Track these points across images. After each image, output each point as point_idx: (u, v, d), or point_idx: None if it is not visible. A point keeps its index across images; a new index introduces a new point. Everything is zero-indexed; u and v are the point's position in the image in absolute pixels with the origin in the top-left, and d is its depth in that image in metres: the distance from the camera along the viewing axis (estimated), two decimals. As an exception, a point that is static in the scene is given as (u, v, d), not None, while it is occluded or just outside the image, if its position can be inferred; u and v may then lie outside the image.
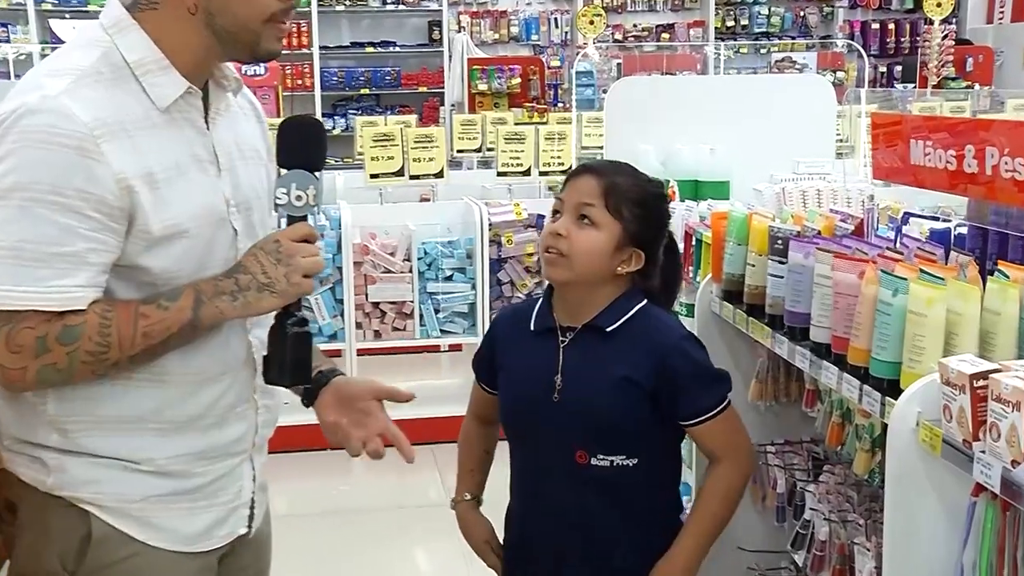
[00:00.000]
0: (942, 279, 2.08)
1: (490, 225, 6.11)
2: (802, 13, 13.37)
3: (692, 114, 4.22)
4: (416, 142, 6.34)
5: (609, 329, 2.48)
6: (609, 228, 2.44)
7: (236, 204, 2.03)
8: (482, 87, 11.04)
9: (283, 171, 2.04)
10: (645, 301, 2.53)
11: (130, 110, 1.86)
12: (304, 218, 2.02)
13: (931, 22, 11.69)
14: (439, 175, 6.43)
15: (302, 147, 2.05)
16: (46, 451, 1.93)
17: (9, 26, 12.04)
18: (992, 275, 2.11)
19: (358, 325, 6.06)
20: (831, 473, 2.83)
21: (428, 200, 7.07)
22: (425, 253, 6.11)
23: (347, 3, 12.41)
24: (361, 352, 6.18)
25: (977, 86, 11.72)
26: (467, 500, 2.71)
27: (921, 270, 2.16)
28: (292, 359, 2.04)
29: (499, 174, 6.76)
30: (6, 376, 1.83)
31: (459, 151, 8.38)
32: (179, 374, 1.97)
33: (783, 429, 3.09)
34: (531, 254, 6.19)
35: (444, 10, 12.62)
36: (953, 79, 11.66)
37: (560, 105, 11.00)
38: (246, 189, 2.07)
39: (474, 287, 6.14)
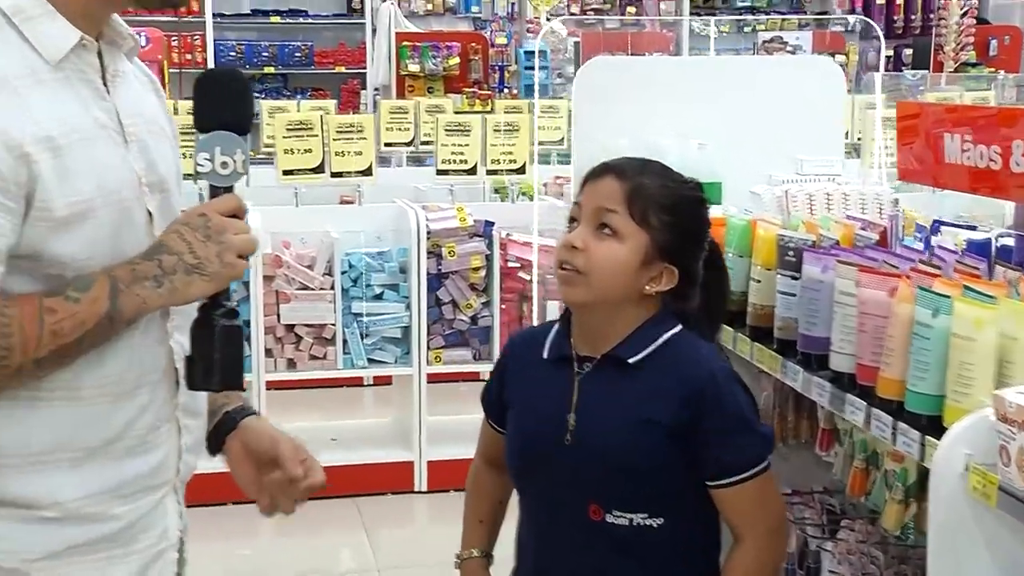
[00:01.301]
0: (992, 297, 2.12)
1: (428, 233, 6.09)
2: (794, -16, 13.55)
3: (675, 103, 4.24)
4: (339, 132, 6.33)
5: (632, 361, 2.44)
6: (634, 239, 2.40)
7: (149, 183, 2.01)
8: (413, 68, 11.01)
9: (202, 135, 2.02)
10: (679, 328, 2.49)
11: (13, 64, 1.84)
12: (231, 189, 2.01)
13: (948, -2, 11.91)
14: (367, 172, 6.41)
15: (225, 105, 2.04)
16: None
17: None
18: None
19: (268, 352, 6.00)
20: (850, 529, 2.87)
21: (352, 202, 7.05)
22: (350, 266, 6.08)
23: None
24: (271, 385, 6.11)
25: (1002, 73, 11.88)
26: (475, 557, 2.68)
27: (965, 287, 2.20)
28: (222, 357, 2.01)
29: (439, 172, 6.75)
30: None
31: (387, 144, 8.37)
32: (91, 387, 1.93)
33: (792, 477, 3.13)
34: (477, 268, 6.19)
35: None
36: (974, 65, 11.84)
37: (507, 91, 11.03)
38: (160, 167, 2.05)
39: (408, 307, 6.11)
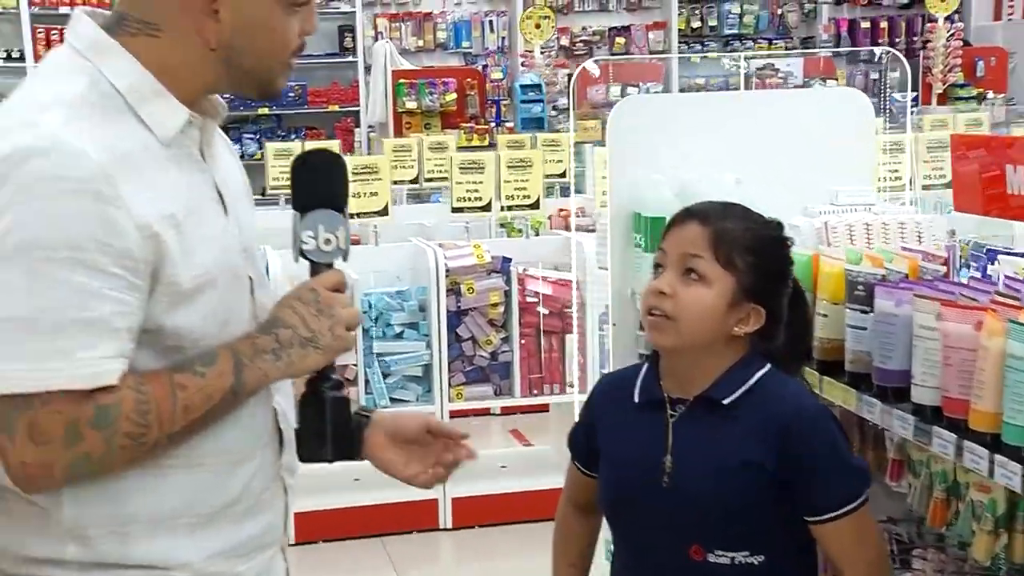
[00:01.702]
0: (1087, 329, 2.15)
1: (447, 271, 6.10)
2: (779, 11, 13.64)
3: (709, 139, 4.25)
4: (355, 174, 6.35)
5: (726, 402, 2.47)
6: (721, 282, 2.44)
7: (245, 249, 2.06)
8: (410, 105, 11.04)
9: (300, 213, 2.05)
10: (767, 367, 2.52)
11: (132, 144, 1.87)
12: (331, 265, 2.05)
13: (934, 20, 12.01)
14: (383, 212, 6.44)
15: (325, 184, 2.09)
16: (62, 569, 1.90)
17: None
18: None
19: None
20: (923, 558, 2.88)
21: (357, 241, 7.06)
22: (369, 306, 6.08)
23: None
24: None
25: (991, 94, 12.01)
26: None
27: (1058, 318, 2.22)
28: (334, 429, 2.07)
29: (454, 210, 6.77)
30: (27, 474, 1.80)
31: (394, 182, 8.38)
32: (212, 455, 1.97)
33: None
34: (495, 305, 6.20)
35: (358, 12, 12.70)
36: (962, 86, 11.96)
37: (505, 125, 11.05)
38: (249, 232, 2.10)
39: (429, 345, 6.11)
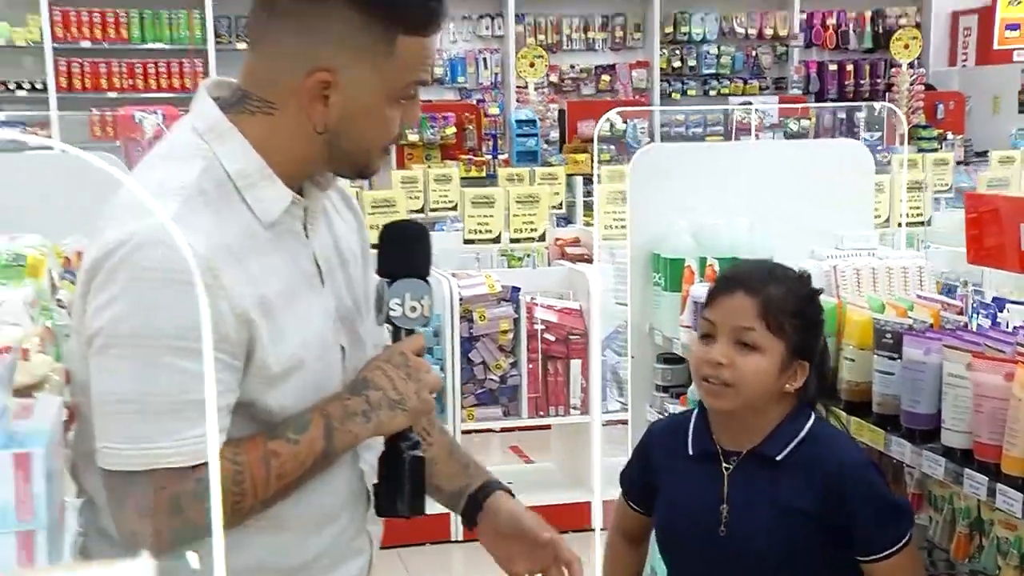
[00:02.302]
0: (1113, 383, 2.23)
1: (461, 300, 6.15)
2: (754, 53, 13.72)
3: (722, 184, 4.35)
4: (374, 207, 6.42)
5: (778, 459, 2.54)
6: (773, 349, 2.50)
7: (340, 317, 2.06)
8: (413, 138, 11.10)
9: (386, 280, 2.05)
10: (812, 419, 2.60)
11: (237, 231, 1.89)
12: (413, 330, 2.05)
13: (897, 65, 12.15)
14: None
15: (410, 254, 2.08)
16: None
17: None
18: None
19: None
20: (945, 587, 2.96)
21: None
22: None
23: (248, 40, 12.36)
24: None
25: (950, 135, 12.15)
26: None
27: (1083, 373, 2.31)
28: (411, 488, 2.05)
29: (466, 241, 6.83)
30: (136, 541, 1.83)
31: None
32: (295, 517, 1.98)
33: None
34: (505, 331, 6.27)
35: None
36: (924, 127, 12.08)
37: (501, 157, 11.11)
38: (347, 299, 2.09)
39: (443, 369, 6.13)
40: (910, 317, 2.94)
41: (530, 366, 6.34)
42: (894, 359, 2.79)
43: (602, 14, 13.43)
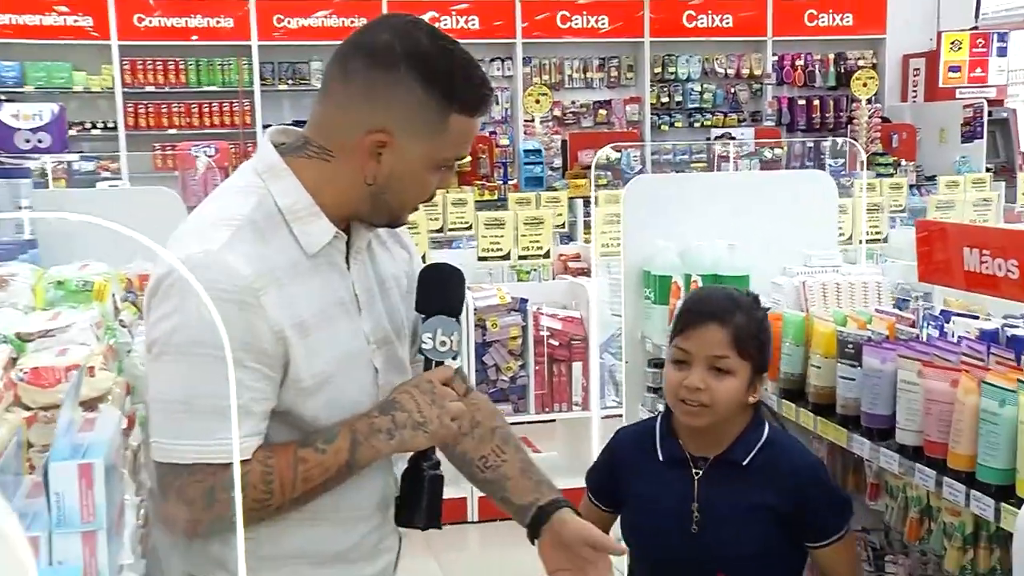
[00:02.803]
0: (1046, 390, 2.22)
1: (475, 310, 6.15)
2: (732, 90, 13.72)
3: (705, 209, 4.34)
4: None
5: (744, 463, 2.55)
6: (742, 371, 2.52)
7: (376, 341, 2.05)
8: (432, 165, 11.10)
9: (422, 316, 2.06)
10: (768, 426, 2.62)
11: (282, 258, 1.89)
12: (442, 362, 2.04)
13: (857, 100, 12.15)
14: (423, 261, 6.48)
15: (444, 294, 2.08)
16: None
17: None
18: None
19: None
20: (895, 563, 2.95)
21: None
22: (411, 338, 6.12)
23: (289, 82, 12.47)
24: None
25: (903, 161, 12.15)
26: None
27: (1020, 380, 2.29)
28: (428, 503, 2.05)
29: (480, 259, 6.84)
30: (175, 527, 1.87)
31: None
32: (332, 512, 1.99)
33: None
34: (515, 338, 6.26)
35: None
36: (881, 155, 12.09)
37: (511, 183, 11.10)
38: (386, 325, 2.08)
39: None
40: (869, 329, 2.93)
41: (536, 368, 6.33)
42: (855, 367, 2.79)
43: (599, 56, 13.43)
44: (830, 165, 12.32)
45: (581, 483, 2.83)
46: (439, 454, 2.09)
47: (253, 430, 1.85)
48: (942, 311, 3.31)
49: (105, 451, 1.47)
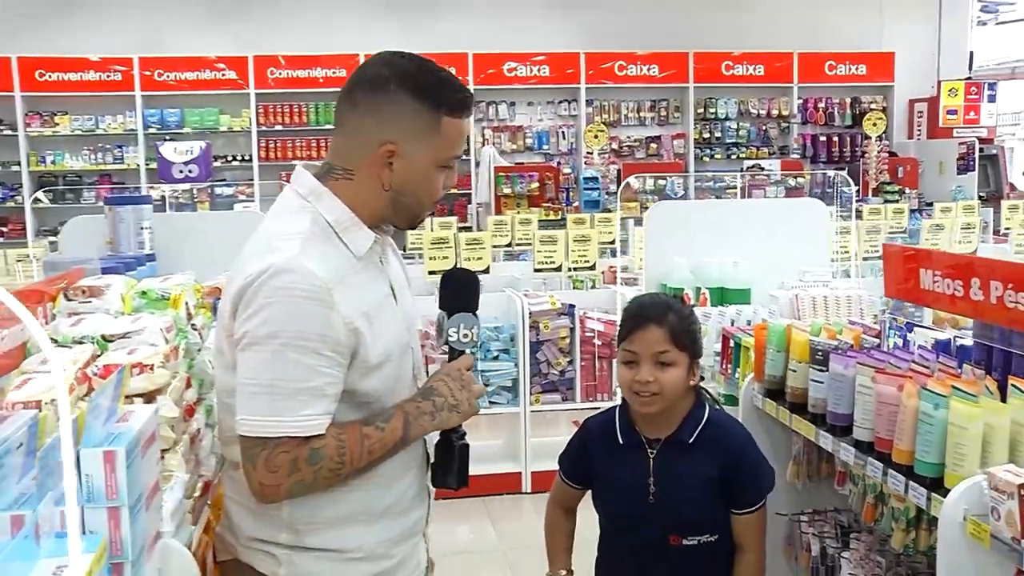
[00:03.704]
0: (975, 396, 2.12)
1: (529, 313, 6.11)
2: (764, 127, 13.51)
3: (714, 231, 4.27)
4: (467, 244, 6.40)
5: (690, 441, 2.53)
6: (681, 360, 2.50)
7: (408, 327, 2.07)
8: (507, 190, 11.09)
9: (444, 313, 2.08)
10: (707, 408, 2.58)
11: (340, 262, 1.91)
12: (463, 352, 2.07)
13: (868, 137, 11.89)
14: (486, 271, 6.47)
15: (467, 295, 2.10)
16: (278, 547, 1.95)
17: (123, 147, 12.28)
18: (1007, 390, 2.16)
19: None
20: (859, 540, 2.85)
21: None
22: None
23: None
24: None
25: (907, 190, 11.90)
26: (563, 574, 2.70)
27: (954, 387, 2.20)
28: (459, 468, 2.07)
29: (536, 270, 6.79)
30: (263, 492, 1.85)
31: (492, 246, 8.41)
32: (379, 475, 1.99)
33: (814, 501, 3.12)
34: (564, 337, 6.21)
35: (471, 125, 12.77)
36: (888, 183, 11.83)
37: (572, 205, 11.05)
38: (411, 313, 2.11)
39: (516, 365, 6.12)
40: (838, 339, 2.84)
41: (583, 363, 6.28)
42: (823, 371, 2.71)
43: (651, 99, 13.30)
44: (844, 192, 12.08)
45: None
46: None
47: (326, 410, 1.86)
48: (907, 323, 3.21)
49: (127, 441, 1.45)
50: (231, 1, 12.42)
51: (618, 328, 2.61)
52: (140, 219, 3.76)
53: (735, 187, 11.50)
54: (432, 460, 2.10)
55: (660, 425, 2.56)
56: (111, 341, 2.15)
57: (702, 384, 2.66)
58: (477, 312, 2.09)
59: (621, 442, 2.59)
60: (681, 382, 2.50)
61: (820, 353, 2.73)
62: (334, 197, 1.95)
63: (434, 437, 2.11)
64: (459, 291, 2.10)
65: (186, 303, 2.46)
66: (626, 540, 2.61)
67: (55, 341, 2.12)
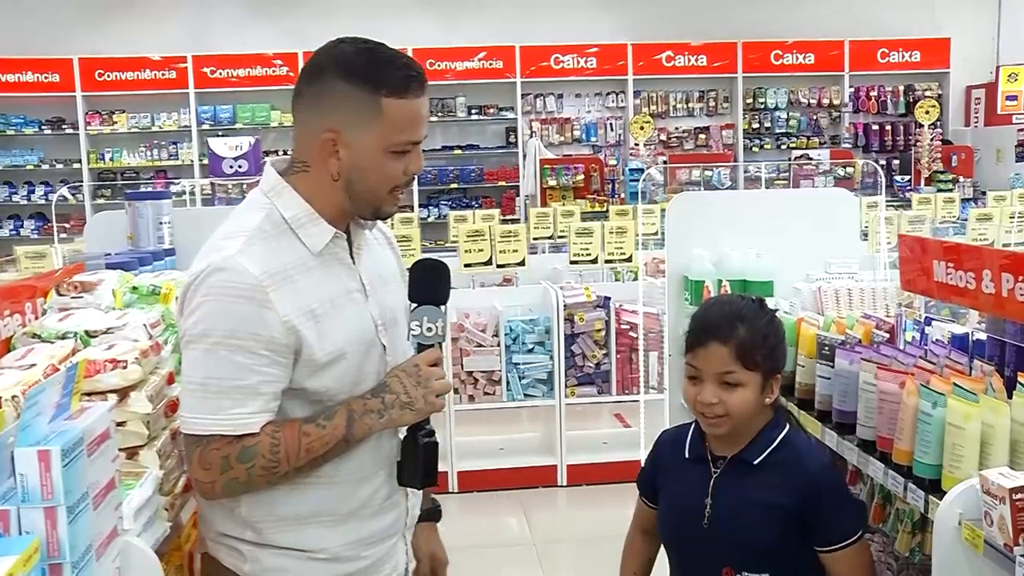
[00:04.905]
0: (975, 395, 2.02)
1: (565, 306, 6.04)
2: (815, 117, 13.26)
3: (738, 223, 4.15)
4: (502, 237, 6.34)
5: (756, 463, 2.28)
6: (752, 380, 2.24)
7: (383, 323, 1.99)
8: (552, 182, 11.03)
9: (414, 305, 1.98)
10: (787, 428, 2.33)
11: (290, 258, 1.87)
12: (431, 345, 1.97)
13: (921, 125, 11.60)
14: (521, 263, 6.41)
15: (431, 286, 2.01)
16: (243, 544, 1.92)
17: (178, 143, 12.45)
18: (1015, 387, 2.05)
19: (455, 391, 6.01)
20: (872, 540, 2.74)
21: (511, 282, 7.02)
22: (510, 329, 6.06)
23: (439, 115, 12.53)
24: (458, 413, 6.14)
25: (961, 178, 11.60)
26: None
27: (955, 384, 2.09)
28: (423, 466, 1.98)
29: (572, 262, 6.71)
30: (200, 488, 1.85)
31: (535, 239, 8.37)
32: (345, 473, 1.94)
33: (827, 500, 3.01)
34: (599, 330, 6.13)
35: (519, 118, 12.71)
36: (941, 172, 11.55)
37: (617, 197, 10.95)
38: (391, 309, 2.03)
39: (551, 358, 6.05)
40: (847, 333, 2.74)
41: (618, 356, 6.19)
42: (830, 367, 2.60)
43: (699, 89, 13.14)
44: (897, 181, 11.81)
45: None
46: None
47: (261, 408, 1.82)
48: (927, 316, 3.09)
49: (65, 440, 1.42)
50: (281, -3, 12.51)
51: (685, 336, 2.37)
52: (159, 214, 3.77)
53: (786, 177, 11.29)
54: (398, 459, 2.02)
55: (730, 442, 2.32)
56: (94, 336, 2.13)
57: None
58: (445, 305, 1.99)
59: (687, 456, 2.38)
60: (751, 403, 2.24)
61: (827, 348, 2.63)
62: (293, 192, 1.92)
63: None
64: (424, 282, 2.00)
65: (176, 298, 2.44)
66: (681, 568, 2.42)
67: (38, 336, 2.10)
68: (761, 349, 2.24)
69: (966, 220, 8.23)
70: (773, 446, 2.28)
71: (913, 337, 2.94)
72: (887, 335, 2.73)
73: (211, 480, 1.81)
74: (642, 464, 2.61)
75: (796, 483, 2.23)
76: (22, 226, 12.39)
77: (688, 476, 2.36)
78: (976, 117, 13.29)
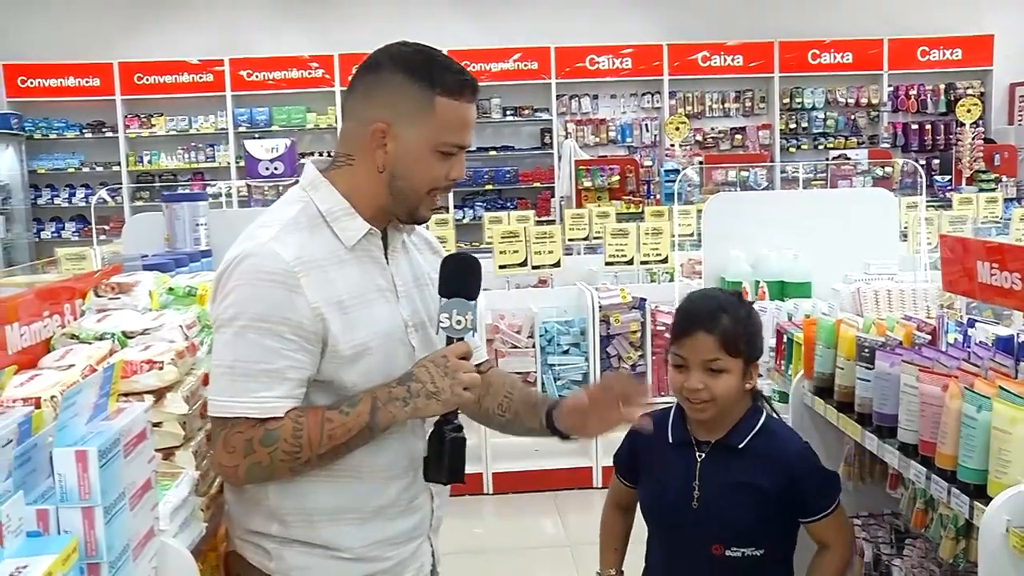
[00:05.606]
0: (1022, 399, 1.98)
1: (600, 307, 6.02)
2: (852, 116, 13.14)
3: (775, 223, 4.12)
4: (537, 238, 6.33)
5: (740, 447, 2.41)
6: (735, 367, 2.36)
7: (414, 325, 2.00)
8: (587, 184, 10.98)
9: (443, 299, 1.97)
10: (764, 415, 2.45)
11: (323, 249, 1.89)
12: (462, 339, 1.96)
13: (962, 124, 11.45)
14: (556, 264, 6.39)
15: (461, 279, 1.99)
16: (268, 540, 1.93)
17: (215, 146, 12.56)
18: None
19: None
20: (913, 546, 2.70)
21: (546, 283, 7.00)
22: (546, 331, 6.05)
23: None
24: (493, 413, 6.10)
25: (1004, 178, 11.43)
26: (612, 574, 2.63)
27: (1000, 387, 2.05)
28: (450, 461, 1.95)
29: (607, 263, 6.69)
30: (224, 473, 1.87)
31: (571, 240, 8.34)
32: (371, 470, 1.94)
33: (867, 504, 2.97)
34: (635, 331, 6.10)
35: (554, 120, 12.69)
36: (983, 172, 11.39)
37: (653, 198, 10.89)
38: (423, 312, 2.03)
39: (587, 359, 6.03)
40: (888, 335, 2.69)
41: (653, 357, 6.15)
42: (870, 369, 2.56)
43: (735, 89, 13.05)
44: (937, 181, 11.66)
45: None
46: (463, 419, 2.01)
47: (287, 393, 1.83)
48: (970, 318, 3.03)
49: (102, 441, 1.42)
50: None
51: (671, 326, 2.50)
52: (196, 216, 3.79)
53: (823, 177, 11.18)
54: (425, 454, 2.00)
55: (712, 427, 2.44)
56: (131, 337, 2.14)
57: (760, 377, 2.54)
58: (476, 298, 1.98)
59: (671, 440, 2.48)
60: (734, 388, 2.37)
61: (867, 350, 2.59)
62: (330, 187, 1.95)
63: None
64: (455, 275, 1.98)
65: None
66: (668, 546, 2.51)
67: (77, 337, 2.12)
68: (743, 337, 2.37)
69: (1009, 220, 8.11)
70: (755, 431, 2.42)
71: (955, 339, 2.89)
72: (929, 337, 2.69)
73: (235, 464, 1.82)
74: (621, 444, 2.66)
75: (779, 466, 2.38)
76: (63, 228, 12.55)
77: (673, 460, 2.46)
78: (1020, 115, 13.07)
